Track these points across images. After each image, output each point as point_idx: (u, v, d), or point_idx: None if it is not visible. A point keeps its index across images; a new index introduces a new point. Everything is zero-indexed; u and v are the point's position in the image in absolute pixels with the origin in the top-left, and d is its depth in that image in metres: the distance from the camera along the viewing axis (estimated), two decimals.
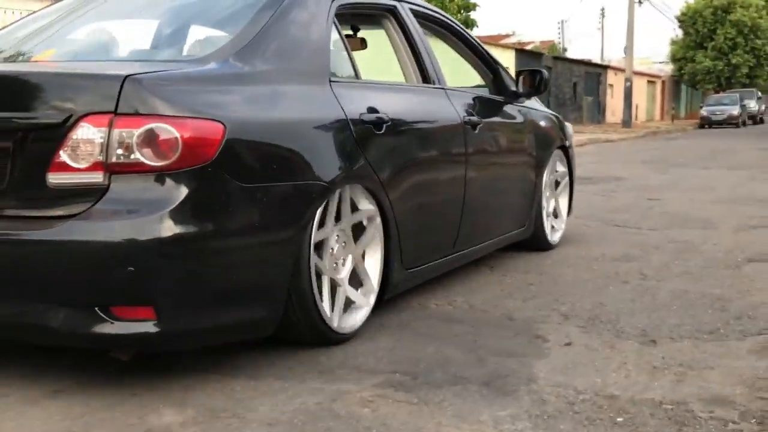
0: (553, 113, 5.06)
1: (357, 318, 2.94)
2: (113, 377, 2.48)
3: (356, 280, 3.00)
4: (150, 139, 2.21)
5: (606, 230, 5.55)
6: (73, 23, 3.29)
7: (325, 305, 2.74)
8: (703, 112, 34.83)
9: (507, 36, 46.87)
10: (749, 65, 42.50)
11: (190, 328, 2.32)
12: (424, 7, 3.90)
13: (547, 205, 4.76)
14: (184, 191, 2.23)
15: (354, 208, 2.94)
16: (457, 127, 3.63)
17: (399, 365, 2.61)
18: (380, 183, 2.97)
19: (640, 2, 37.29)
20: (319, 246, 2.75)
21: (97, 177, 2.22)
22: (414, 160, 3.26)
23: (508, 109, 4.33)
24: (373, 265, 3.05)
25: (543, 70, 4.42)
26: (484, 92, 4.29)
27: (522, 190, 4.38)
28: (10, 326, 2.32)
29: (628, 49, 31.70)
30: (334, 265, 2.87)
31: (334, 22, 3.11)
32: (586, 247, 4.86)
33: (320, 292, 2.72)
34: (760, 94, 40.59)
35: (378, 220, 3.02)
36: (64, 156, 2.23)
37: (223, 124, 2.33)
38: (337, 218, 2.86)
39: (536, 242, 4.66)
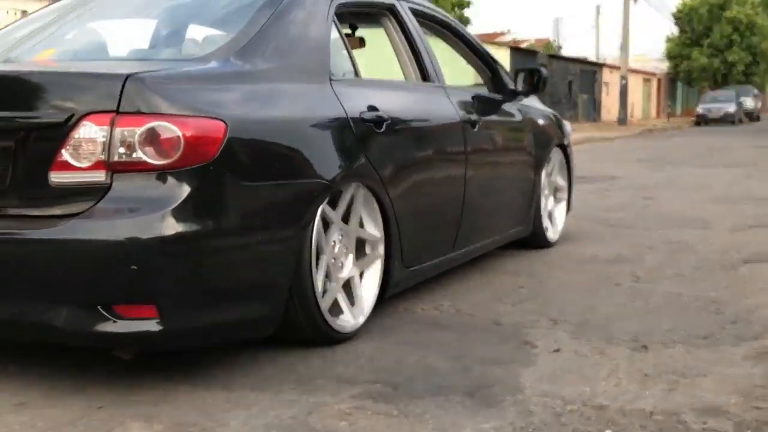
0: (552, 111, 5.05)
1: (358, 317, 2.92)
2: (80, 388, 2.37)
3: (357, 272, 3.00)
4: (152, 138, 2.22)
5: (599, 230, 5.45)
6: (73, 23, 3.27)
7: (327, 304, 2.74)
8: (699, 109, 34.74)
9: (502, 34, 46.77)
10: (745, 63, 42.49)
11: (192, 326, 2.31)
12: (423, 6, 3.90)
13: (546, 203, 4.75)
14: (186, 190, 2.23)
15: (362, 224, 2.96)
16: (456, 126, 3.64)
17: (380, 374, 2.51)
18: (381, 181, 2.97)
19: (635, 0, 37.19)
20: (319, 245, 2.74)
21: (100, 176, 2.22)
22: (414, 159, 3.27)
23: (507, 107, 4.33)
24: (369, 288, 3.03)
25: (541, 68, 4.42)
26: (483, 91, 4.30)
27: (521, 189, 4.38)
28: (13, 325, 2.32)
29: (624, 47, 31.65)
30: (334, 260, 2.84)
31: (334, 21, 3.11)
32: (578, 247, 4.76)
33: (322, 291, 2.72)
34: (756, 91, 40.48)
35: (381, 249, 3.03)
36: (66, 155, 2.23)
37: (224, 122, 2.33)
38: (345, 220, 2.87)
39: (535, 240, 4.65)
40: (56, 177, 2.24)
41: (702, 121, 33.71)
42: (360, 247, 3.01)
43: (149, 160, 2.22)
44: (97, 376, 2.48)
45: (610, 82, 38.63)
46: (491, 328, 3.05)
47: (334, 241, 2.85)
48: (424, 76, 3.65)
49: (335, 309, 2.83)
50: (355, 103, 2.94)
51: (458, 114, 3.68)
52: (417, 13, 3.77)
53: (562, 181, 4.99)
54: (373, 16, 3.68)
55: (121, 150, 2.21)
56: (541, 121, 4.70)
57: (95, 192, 2.22)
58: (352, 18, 3.75)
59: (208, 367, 2.55)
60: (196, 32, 3.17)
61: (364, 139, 2.93)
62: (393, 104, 3.20)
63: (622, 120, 30.68)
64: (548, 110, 4.97)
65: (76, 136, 2.23)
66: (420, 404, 2.25)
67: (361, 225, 2.99)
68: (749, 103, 37.40)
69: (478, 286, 3.75)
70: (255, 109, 2.54)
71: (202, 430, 2.09)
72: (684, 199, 7.29)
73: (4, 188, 2.31)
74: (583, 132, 21.40)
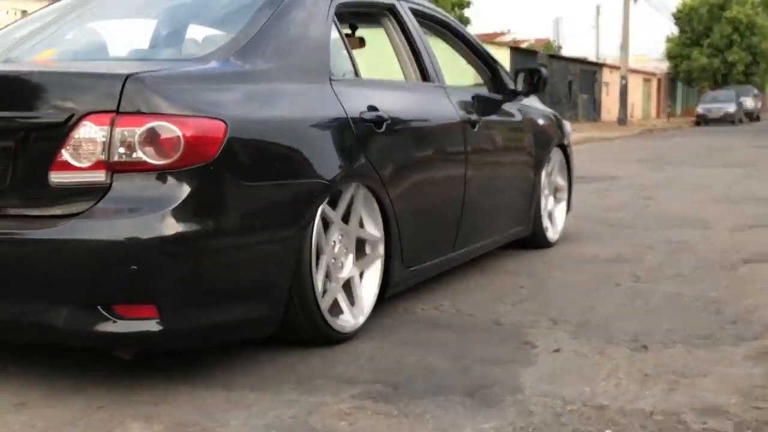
0: (552, 111, 5.05)
1: (358, 317, 2.92)
2: (80, 388, 2.37)
3: (357, 272, 3.00)
4: (152, 138, 2.22)
5: (599, 230, 5.45)
6: (73, 23, 3.27)
7: (327, 304, 2.75)
8: (699, 109, 34.72)
9: (502, 34, 46.77)
10: (745, 63, 42.48)
11: (193, 326, 2.31)
12: (423, 6, 3.90)
13: (546, 203, 4.75)
14: (186, 190, 2.22)
15: (362, 224, 2.96)
16: (456, 126, 3.64)
17: (380, 374, 2.50)
18: (381, 181, 2.97)
19: (635, 0, 37.18)
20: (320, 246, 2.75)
21: (100, 176, 2.22)
22: (414, 159, 3.27)
23: (507, 107, 4.33)
24: (369, 288, 3.03)
25: (541, 68, 4.42)
26: (483, 91, 4.30)
27: (521, 189, 4.38)
28: (13, 325, 2.32)
29: (624, 47, 31.64)
30: (334, 260, 2.85)
31: (334, 21, 3.11)
32: (578, 247, 4.76)
33: (322, 291, 2.73)
34: (756, 91, 40.46)
35: (381, 249, 3.03)
36: (66, 155, 2.23)
37: (224, 122, 2.33)
38: (345, 220, 2.87)
39: (535, 240, 4.65)
40: (56, 177, 2.24)
41: (702, 121, 33.69)
42: (360, 248, 3.01)
43: (149, 160, 2.22)
44: (97, 376, 2.48)
45: (610, 82, 38.61)
46: (491, 328, 3.05)
47: (334, 241, 2.84)
48: (424, 76, 3.65)
49: (335, 309, 2.82)
50: (355, 103, 2.94)
51: (458, 114, 3.68)
52: (417, 13, 3.77)
53: (562, 181, 4.99)
54: (373, 16, 3.68)
55: (121, 150, 2.21)
56: (541, 121, 4.70)
57: (95, 192, 2.22)
58: (352, 18, 3.75)
59: (208, 367, 2.55)
60: (196, 32, 3.17)
61: (364, 139, 2.93)
62: (393, 104, 3.20)
63: (622, 120, 30.67)
64: (548, 110, 4.97)
65: (76, 136, 2.22)
66: (420, 404, 2.25)
67: (361, 225, 2.99)
68: (749, 103, 37.38)
69: (478, 286, 3.75)
70: (255, 109, 2.54)
71: (202, 430, 2.09)
72: (684, 199, 7.29)
73: (4, 188, 2.31)
74: (583, 132, 21.40)
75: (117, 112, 2.21)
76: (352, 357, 2.67)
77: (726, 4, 42.17)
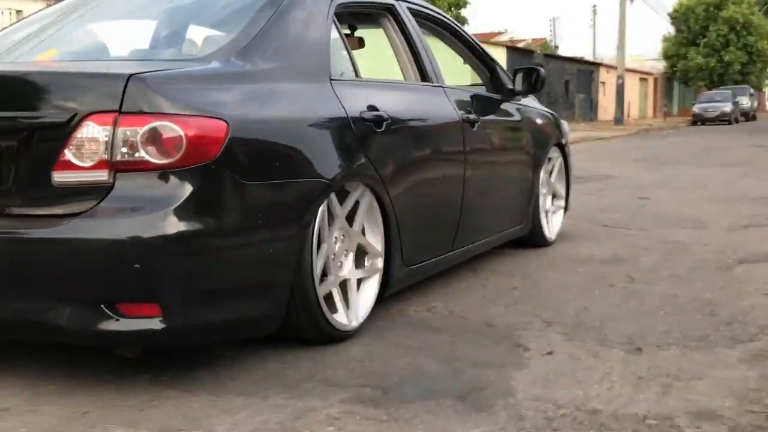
0: (550, 111, 5.07)
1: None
2: (64, 394, 2.33)
3: (356, 276, 3.01)
4: (154, 138, 2.23)
5: (594, 230, 5.42)
6: (74, 23, 3.27)
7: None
8: (696, 109, 34.71)
9: (499, 34, 46.76)
10: (742, 62, 42.49)
11: (195, 324, 2.32)
12: (422, 6, 3.91)
13: (544, 202, 4.76)
14: (188, 189, 2.24)
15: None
16: (455, 125, 3.66)
17: (370, 378, 2.47)
18: (381, 180, 2.99)
19: (631, 0, 37.18)
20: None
21: (102, 175, 2.23)
22: (413, 158, 3.29)
23: (506, 107, 4.35)
24: (370, 285, 3.05)
25: (540, 68, 4.42)
26: (482, 90, 4.31)
27: (519, 188, 4.40)
28: (16, 324, 2.32)
29: (620, 47, 31.61)
30: (333, 256, 2.85)
31: (334, 21, 3.13)
32: (573, 248, 4.73)
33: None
34: (752, 90, 40.46)
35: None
36: (68, 155, 2.25)
37: (226, 122, 2.34)
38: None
39: (533, 239, 4.68)
40: (59, 176, 2.26)
41: (698, 120, 33.69)
42: (359, 252, 3.02)
43: (151, 160, 2.23)
44: (82, 380, 2.44)
45: (607, 81, 38.64)
46: (484, 330, 3.01)
47: (336, 237, 2.86)
48: (423, 76, 3.67)
49: (334, 307, 2.83)
50: (355, 103, 2.96)
51: (457, 113, 3.70)
52: (416, 14, 3.79)
53: (560, 181, 5.02)
54: (373, 17, 3.69)
55: (124, 149, 2.22)
56: (539, 121, 4.72)
57: (98, 191, 2.23)
58: (351, 18, 3.76)
59: (196, 371, 2.51)
60: (197, 33, 3.18)
61: (364, 138, 2.95)
62: (393, 104, 3.21)
63: (619, 119, 30.68)
64: (546, 110, 5.00)
65: (79, 135, 2.24)
66: (410, 409, 2.22)
67: (363, 233, 3.02)
68: (745, 102, 37.38)
69: (471, 288, 3.71)
70: (256, 109, 2.55)
71: None
72: (680, 198, 7.26)
73: (8, 188, 2.32)
74: (579, 131, 21.38)
75: (119, 111, 2.23)
76: (343, 360, 2.64)
77: (722, 4, 42.19)
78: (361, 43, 4.06)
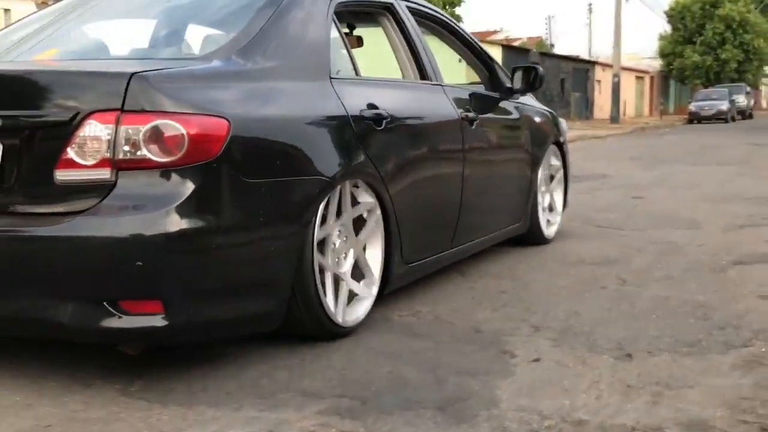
0: (548, 109, 5.08)
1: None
2: (29, 405, 2.23)
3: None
4: (156, 136, 2.24)
5: (587, 231, 5.32)
6: (73, 23, 3.27)
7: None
8: (692, 107, 34.65)
9: (495, 32, 46.69)
10: (738, 60, 42.41)
11: (197, 321, 2.33)
12: (421, 5, 3.93)
13: (543, 200, 4.77)
14: (190, 187, 2.25)
15: (354, 202, 2.96)
16: (454, 123, 3.67)
17: (349, 388, 2.37)
18: (380, 178, 3.00)
19: None
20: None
21: (105, 173, 2.24)
22: (413, 156, 3.30)
23: (504, 105, 4.36)
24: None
25: (538, 66, 4.43)
26: (480, 89, 4.32)
27: (518, 186, 4.42)
28: (19, 322, 2.33)
29: (616, 45, 31.54)
30: (337, 259, 2.88)
31: (334, 20, 3.14)
32: (564, 249, 4.64)
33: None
34: (749, 89, 40.41)
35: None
36: (71, 153, 2.26)
37: (227, 120, 2.36)
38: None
39: (532, 237, 4.69)
40: (61, 175, 2.27)
41: (695, 118, 33.63)
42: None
43: (153, 158, 2.24)
44: (48, 391, 2.34)
45: (603, 80, 38.56)
46: (469, 336, 2.92)
47: (337, 233, 2.87)
48: (423, 74, 3.67)
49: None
50: (355, 101, 2.97)
51: (456, 112, 3.70)
52: (415, 12, 3.79)
53: (558, 178, 5.03)
54: (372, 16, 3.69)
55: (126, 148, 2.23)
56: (537, 119, 4.73)
57: (100, 189, 2.24)
58: (350, 17, 3.75)
59: (169, 381, 2.42)
60: (199, 32, 3.19)
61: (364, 136, 2.96)
62: (392, 102, 3.22)
63: (615, 118, 30.59)
64: (545, 108, 5.01)
65: (81, 134, 2.25)
66: (388, 420, 2.12)
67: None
68: (742, 100, 37.33)
69: (459, 291, 3.62)
70: (257, 108, 2.56)
71: None
72: (675, 198, 7.18)
73: (10, 186, 2.33)
74: (575, 130, 21.29)
75: (122, 110, 2.24)
76: (321, 369, 2.54)
77: (718, 2, 42.10)
78: (359, 41, 4.06)
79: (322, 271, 2.74)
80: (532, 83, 4.30)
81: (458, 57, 4.42)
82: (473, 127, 3.79)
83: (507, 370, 2.54)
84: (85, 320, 2.22)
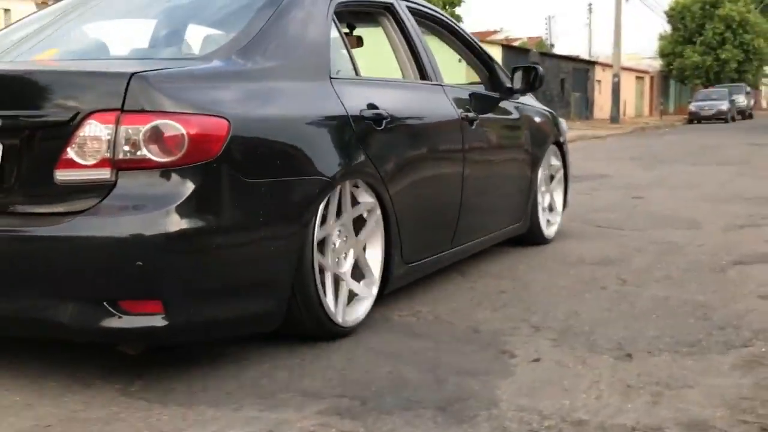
0: (548, 109, 5.09)
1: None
2: (29, 405, 2.23)
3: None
4: (156, 136, 2.24)
5: (587, 231, 5.32)
6: (73, 23, 3.27)
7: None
8: (692, 107, 34.64)
9: (494, 32, 46.70)
10: (738, 60, 42.41)
11: (197, 321, 2.33)
12: (421, 5, 3.93)
13: (543, 200, 4.78)
14: (190, 187, 2.25)
15: (354, 202, 2.96)
16: (454, 123, 3.67)
17: (349, 388, 2.37)
18: (380, 178, 3.00)
19: None
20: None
21: (105, 173, 2.24)
22: (413, 156, 3.30)
23: (504, 105, 4.37)
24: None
25: (538, 66, 4.43)
26: (481, 89, 4.32)
27: (518, 186, 4.42)
28: (19, 322, 2.33)
29: (616, 45, 31.54)
30: (336, 259, 2.88)
31: (333, 20, 3.14)
32: (564, 249, 4.63)
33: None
34: (749, 89, 40.41)
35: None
36: (71, 153, 2.26)
37: (227, 120, 2.36)
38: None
39: (532, 237, 4.70)
40: (62, 175, 2.27)
41: (695, 118, 33.63)
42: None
43: (153, 158, 2.24)
44: (48, 391, 2.34)
45: (603, 80, 38.55)
46: (469, 336, 2.92)
47: (337, 233, 2.87)
48: (423, 74, 3.67)
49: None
50: (355, 101, 2.97)
51: (456, 112, 3.70)
52: (415, 12, 3.79)
53: (558, 178, 5.03)
54: (372, 16, 3.69)
55: (126, 148, 2.23)
56: (537, 119, 4.73)
57: (100, 189, 2.24)
58: (350, 17, 3.76)
59: (169, 381, 2.41)
60: (199, 32, 3.19)
61: (364, 136, 2.96)
62: (392, 102, 3.22)
63: (615, 118, 30.58)
64: (545, 108, 5.02)
65: (81, 134, 2.25)
66: (388, 420, 2.12)
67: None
68: (742, 100, 37.32)
69: (459, 291, 3.62)
70: (257, 108, 2.57)
71: None
72: (675, 198, 7.18)
73: (10, 186, 2.33)
74: (575, 130, 21.28)
75: (122, 110, 2.24)
76: (321, 369, 2.54)
77: (718, 2, 42.11)
78: (359, 41, 4.07)
79: (321, 271, 2.74)
80: (532, 83, 4.30)
81: (458, 57, 4.42)
82: (473, 127, 3.79)
83: (507, 370, 2.54)
84: (86, 320, 2.22)
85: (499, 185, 4.20)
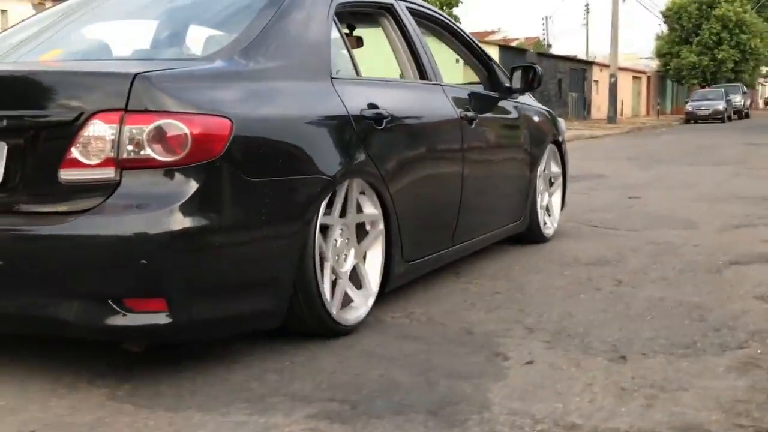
0: (546, 109, 5.10)
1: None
2: (13, 409, 2.20)
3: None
4: (160, 135, 2.26)
5: (583, 231, 5.29)
6: (76, 24, 3.30)
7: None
8: (689, 107, 34.63)
9: (492, 33, 46.68)
10: (734, 60, 42.44)
11: (200, 318, 2.35)
12: (421, 6, 3.95)
13: (541, 199, 4.79)
14: (193, 186, 2.27)
15: (359, 210, 2.99)
16: (454, 123, 3.69)
17: (339, 391, 2.34)
18: (381, 177, 3.02)
19: None
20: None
21: (109, 173, 2.26)
22: (413, 155, 3.33)
23: (503, 104, 4.39)
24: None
25: (537, 66, 4.44)
26: (480, 88, 4.34)
27: (517, 184, 4.44)
28: (25, 320, 2.34)
29: (613, 45, 31.52)
30: (336, 257, 2.90)
31: (334, 20, 3.16)
32: (559, 250, 4.60)
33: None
34: (745, 88, 40.41)
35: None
36: (75, 153, 2.27)
37: (230, 120, 2.38)
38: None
39: (531, 235, 4.72)
40: (66, 174, 2.28)
41: (691, 118, 33.62)
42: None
43: (157, 157, 2.25)
44: (34, 395, 2.30)
45: (600, 80, 38.56)
46: (462, 338, 2.89)
47: (338, 231, 2.88)
48: (422, 74, 3.69)
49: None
50: (356, 101, 2.99)
51: (456, 111, 3.72)
52: (414, 13, 3.81)
53: (557, 177, 5.05)
54: (372, 16, 3.71)
55: (130, 147, 2.25)
56: (536, 118, 4.75)
57: (104, 189, 2.25)
58: (350, 18, 3.77)
59: (157, 384, 2.38)
60: (201, 32, 3.21)
61: (365, 136, 2.98)
62: (393, 102, 3.24)
63: (612, 118, 30.57)
64: (543, 107, 5.04)
65: (86, 134, 2.26)
66: (378, 425, 2.09)
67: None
68: (738, 100, 37.30)
69: (452, 292, 3.59)
70: (259, 107, 2.59)
71: None
72: (671, 198, 7.15)
73: (15, 185, 2.34)
74: (572, 130, 21.25)
75: (125, 110, 2.25)
76: (312, 372, 2.50)
77: (715, 2, 42.12)
78: (359, 42, 4.08)
79: (323, 268, 2.76)
80: (531, 83, 4.32)
81: (456, 57, 4.43)
82: (473, 126, 3.81)
83: (499, 372, 2.51)
84: (90, 318, 2.24)
85: (499, 184, 4.21)
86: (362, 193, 3.00)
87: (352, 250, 2.98)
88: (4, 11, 15.73)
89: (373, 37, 3.97)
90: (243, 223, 2.42)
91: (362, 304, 3.01)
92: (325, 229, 2.78)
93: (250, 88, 2.60)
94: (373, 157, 2.97)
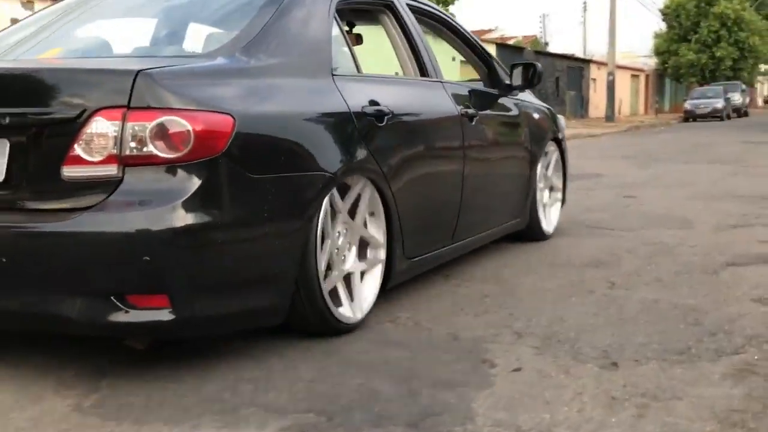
0: (546, 106, 5.08)
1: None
2: None
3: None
4: (162, 132, 2.26)
5: (577, 231, 5.19)
6: (76, 22, 3.29)
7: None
8: (687, 105, 34.52)
9: (489, 31, 46.59)
10: (733, 58, 42.29)
11: (203, 315, 2.34)
12: (420, 3, 3.95)
13: (541, 196, 4.77)
14: (196, 182, 2.27)
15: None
16: (454, 120, 3.69)
17: (316, 402, 2.23)
18: (383, 174, 3.02)
19: None
20: (325, 238, 2.77)
21: (111, 170, 2.26)
22: (414, 152, 3.33)
23: (503, 101, 4.39)
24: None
25: (536, 63, 4.43)
26: (480, 86, 4.34)
27: (517, 182, 4.44)
28: (28, 317, 2.34)
29: (611, 43, 31.40)
30: (340, 256, 2.89)
31: (335, 17, 3.16)
32: (552, 250, 4.50)
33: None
34: (744, 86, 40.28)
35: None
36: (78, 150, 2.27)
37: (232, 116, 2.38)
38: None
39: (531, 233, 4.71)
40: (69, 171, 2.28)
41: (690, 116, 33.51)
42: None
43: (160, 154, 2.25)
44: None
45: (598, 78, 38.45)
46: (448, 344, 2.78)
47: (339, 233, 2.87)
48: (423, 71, 3.69)
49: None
50: (357, 98, 2.99)
51: (456, 108, 3.72)
52: (414, 10, 3.81)
53: (557, 175, 5.03)
54: (372, 13, 3.71)
55: (132, 144, 2.25)
56: (536, 116, 4.74)
57: (107, 185, 2.25)
58: (350, 15, 3.77)
59: (125, 395, 2.27)
60: (202, 30, 3.21)
61: (366, 132, 2.97)
62: (393, 99, 3.24)
63: (610, 116, 30.44)
64: (543, 105, 5.02)
65: (88, 131, 2.26)
66: None
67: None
68: (737, 98, 37.19)
69: (441, 295, 3.48)
70: (261, 104, 2.58)
71: None
72: (668, 197, 7.05)
73: (18, 183, 2.34)
74: (570, 129, 21.07)
75: (128, 107, 2.25)
76: (289, 381, 2.40)
77: (713, 0, 42.00)
78: (359, 39, 4.08)
79: (329, 267, 2.77)
80: (531, 80, 4.30)
81: (452, 55, 4.38)
82: (473, 123, 3.80)
83: (485, 380, 2.40)
84: (93, 315, 2.23)
85: (499, 181, 4.20)
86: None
87: (354, 248, 2.96)
88: None
89: (374, 34, 3.95)
90: (245, 219, 2.41)
91: (363, 301, 2.98)
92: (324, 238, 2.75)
93: (251, 85, 2.60)
94: (374, 154, 2.96)
